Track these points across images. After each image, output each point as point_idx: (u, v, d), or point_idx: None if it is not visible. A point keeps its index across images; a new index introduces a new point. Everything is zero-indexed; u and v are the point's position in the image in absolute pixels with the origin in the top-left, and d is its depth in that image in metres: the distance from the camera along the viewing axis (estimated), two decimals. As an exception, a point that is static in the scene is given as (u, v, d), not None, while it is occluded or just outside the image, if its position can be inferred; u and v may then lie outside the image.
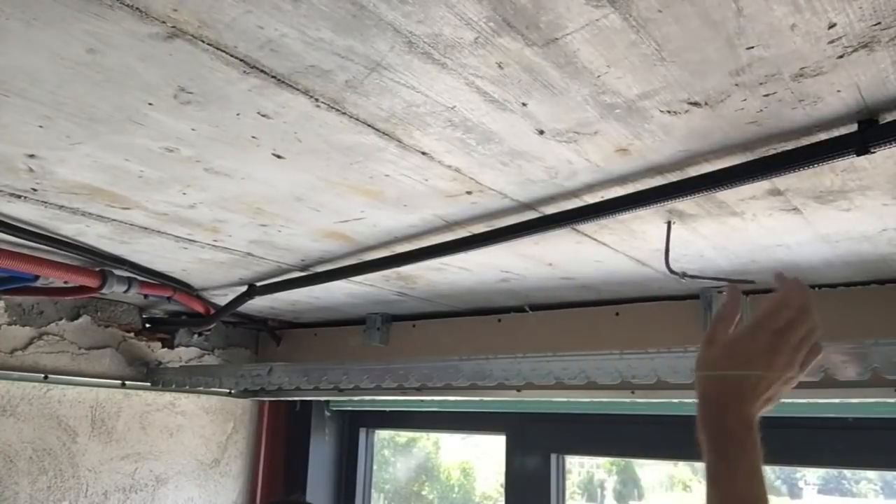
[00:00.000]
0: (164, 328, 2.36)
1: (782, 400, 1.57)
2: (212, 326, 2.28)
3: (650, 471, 2.69)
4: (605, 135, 0.92)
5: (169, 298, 1.90)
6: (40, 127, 0.95)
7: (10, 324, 2.00)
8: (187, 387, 2.22)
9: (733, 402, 0.85)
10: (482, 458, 3.07)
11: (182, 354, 2.45)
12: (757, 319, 0.87)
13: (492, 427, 2.35)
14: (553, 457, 2.17)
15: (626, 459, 2.61)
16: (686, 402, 1.71)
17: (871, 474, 2.22)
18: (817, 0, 0.64)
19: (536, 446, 2.20)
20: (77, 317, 2.16)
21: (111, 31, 0.72)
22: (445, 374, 1.65)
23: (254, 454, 2.65)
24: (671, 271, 1.26)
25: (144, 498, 2.27)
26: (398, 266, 1.48)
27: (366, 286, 1.86)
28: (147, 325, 2.35)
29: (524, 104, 0.85)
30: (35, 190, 1.22)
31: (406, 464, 3.13)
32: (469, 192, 1.15)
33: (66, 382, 2.10)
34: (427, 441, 3.17)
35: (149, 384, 2.29)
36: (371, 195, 1.18)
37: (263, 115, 0.90)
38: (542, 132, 0.92)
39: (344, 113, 0.89)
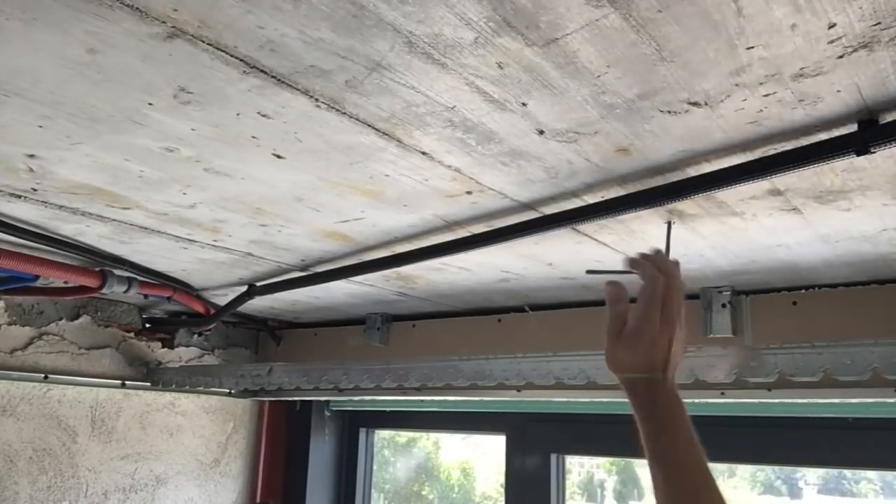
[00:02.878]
0: (164, 328, 2.36)
1: (785, 400, 1.57)
2: (212, 326, 2.29)
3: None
4: (605, 135, 0.92)
5: (169, 298, 1.90)
6: (40, 127, 0.95)
7: (10, 324, 2.00)
8: (187, 387, 2.22)
9: (653, 384, 0.94)
10: (482, 458, 3.07)
11: (182, 354, 2.45)
12: (642, 306, 0.95)
13: (492, 427, 2.35)
14: (553, 457, 2.17)
15: (626, 459, 2.61)
16: (685, 402, 1.71)
17: (871, 474, 2.22)
18: (817, 0, 0.64)
19: (536, 446, 2.20)
20: (77, 317, 2.16)
21: (111, 31, 0.72)
22: (445, 374, 1.65)
23: (254, 454, 2.65)
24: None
25: (144, 498, 2.27)
26: (398, 266, 1.48)
27: (366, 286, 1.86)
28: (147, 325, 2.35)
29: (524, 104, 0.85)
30: (35, 190, 1.22)
31: (406, 464, 3.13)
32: (469, 192, 1.15)
33: (66, 382, 2.10)
34: (427, 441, 3.17)
35: (149, 384, 2.29)
36: (371, 195, 1.18)
37: (263, 115, 0.90)
38: (542, 132, 0.92)
39: (344, 113, 0.89)
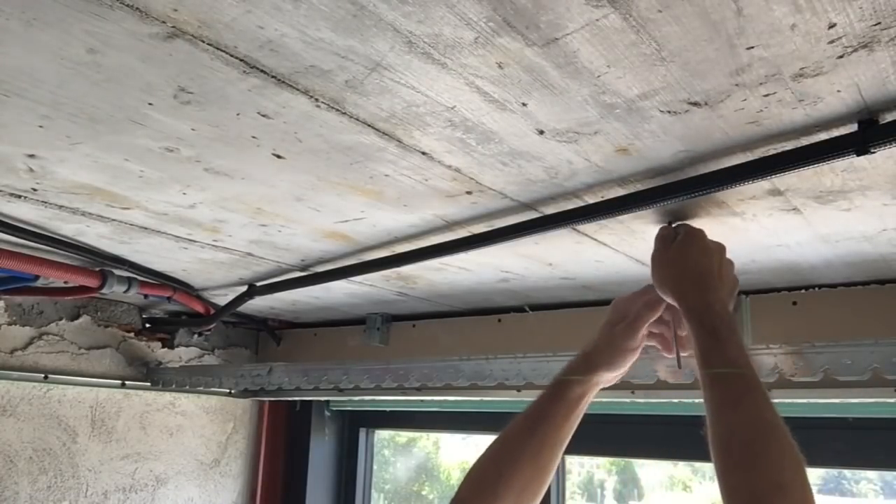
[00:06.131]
0: (164, 328, 2.36)
1: (784, 400, 1.57)
2: (212, 326, 2.28)
3: (650, 471, 2.69)
4: (605, 135, 0.92)
5: (169, 298, 1.90)
6: (40, 127, 0.95)
7: (10, 324, 2.00)
8: (187, 387, 2.22)
9: (706, 290, 1.05)
10: (482, 458, 3.06)
11: (182, 354, 2.45)
12: (686, 231, 1.14)
13: (492, 427, 2.34)
14: (553, 457, 2.17)
15: (626, 459, 2.61)
16: (686, 403, 1.71)
17: (871, 474, 2.22)
18: (817, 0, 0.64)
19: (536, 446, 2.20)
20: (77, 317, 2.16)
21: (111, 31, 0.72)
22: (445, 374, 1.65)
23: (254, 454, 2.65)
24: None
25: (144, 498, 2.27)
26: (398, 266, 1.48)
27: (366, 286, 1.86)
28: (147, 325, 2.35)
29: (524, 104, 0.85)
30: (35, 190, 1.22)
31: (406, 464, 3.13)
32: (469, 192, 1.15)
33: (66, 382, 2.10)
34: (427, 441, 3.17)
35: (149, 384, 2.29)
36: (371, 195, 1.18)
37: (263, 115, 0.90)
38: (542, 132, 0.92)
39: (344, 113, 0.89)
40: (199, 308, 2.04)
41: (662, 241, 1.16)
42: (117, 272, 1.70)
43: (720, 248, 1.12)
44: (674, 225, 1.20)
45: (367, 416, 2.74)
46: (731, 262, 1.13)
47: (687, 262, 1.09)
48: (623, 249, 1.42)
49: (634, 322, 1.15)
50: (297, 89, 0.83)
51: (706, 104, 0.83)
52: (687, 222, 1.21)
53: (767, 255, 1.41)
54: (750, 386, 0.93)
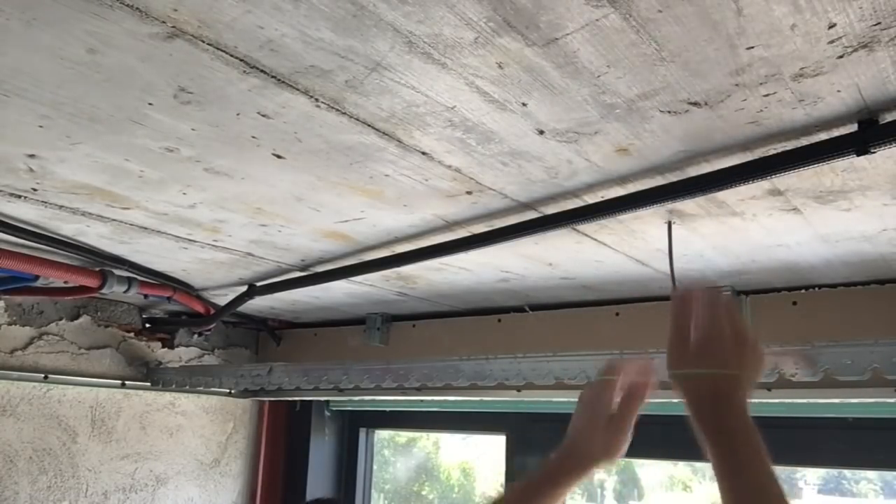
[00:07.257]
0: (164, 328, 2.36)
1: (784, 400, 1.57)
2: (212, 326, 2.28)
3: (650, 471, 2.69)
4: (605, 135, 0.92)
5: (169, 298, 1.90)
6: (40, 127, 0.95)
7: (10, 324, 2.00)
8: (187, 387, 2.22)
9: (723, 399, 0.89)
10: (482, 458, 3.07)
11: (182, 354, 2.45)
12: (715, 321, 0.89)
13: (492, 427, 2.35)
14: (553, 457, 2.17)
15: (626, 459, 2.60)
16: (685, 402, 1.71)
17: (871, 474, 2.22)
18: (817, 0, 0.64)
19: (536, 446, 2.20)
20: (77, 317, 2.16)
21: (111, 31, 0.72)
22: (445, 374, 1.65)
23: (254, 454, 2.65)
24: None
25: (144, 498, 2.27)
26: (398, 266, 1.48)
27: (366, 286, 1.87)
28: (147, 325, 2.35)
29: (524, 104, 0.85)
30: (35, 190, 1.22)
31: (406, 464, 3.13)
32: (469, 192, 1.15)
33: (66, 382, 2.10)
34: (427, 441, 3.17)
35: (149, 384, 2.29)
36: (371, 195, 1.18)
37: (263, 115, 0.90)
38: (542, 132, 0.92)
39: (344, 113, 0.89)
40: (199, 308, 2.04)
41: (678, 331, 0.92)
42: (117, 272, 1.70)
43: (741, 340, 0.89)
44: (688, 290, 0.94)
45: (367, 416, 2.74)
46: (754, 342, 0.90)
47: (705, 378, 0.91)
48: (623, 249, 1.42)
49: (622, 421, 1.05)
50: (297, 89, 0.83)
51: (706, 104, 0.83)
52: (713, 290, 0.94)
53: (767, 255, 1.41)
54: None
